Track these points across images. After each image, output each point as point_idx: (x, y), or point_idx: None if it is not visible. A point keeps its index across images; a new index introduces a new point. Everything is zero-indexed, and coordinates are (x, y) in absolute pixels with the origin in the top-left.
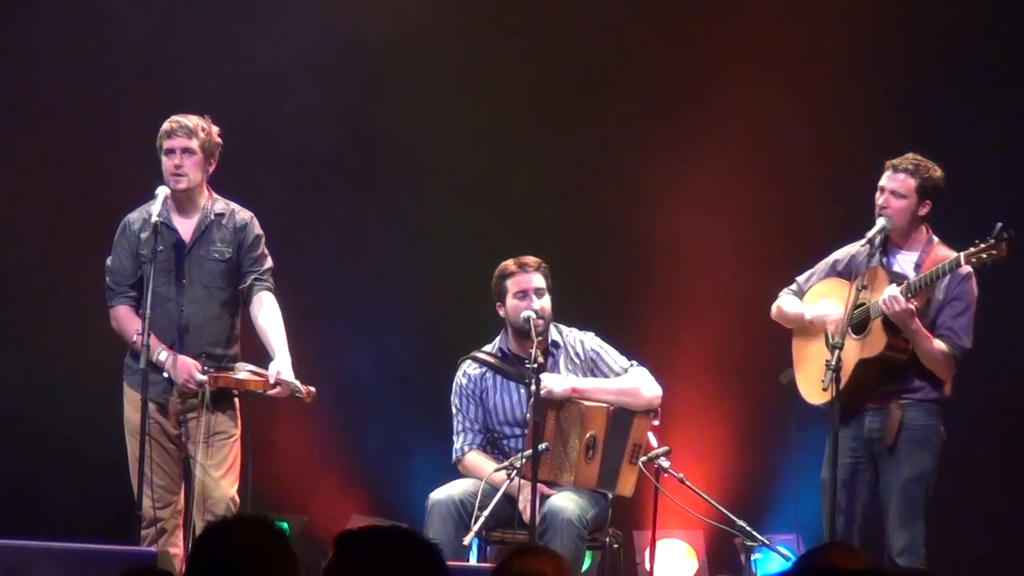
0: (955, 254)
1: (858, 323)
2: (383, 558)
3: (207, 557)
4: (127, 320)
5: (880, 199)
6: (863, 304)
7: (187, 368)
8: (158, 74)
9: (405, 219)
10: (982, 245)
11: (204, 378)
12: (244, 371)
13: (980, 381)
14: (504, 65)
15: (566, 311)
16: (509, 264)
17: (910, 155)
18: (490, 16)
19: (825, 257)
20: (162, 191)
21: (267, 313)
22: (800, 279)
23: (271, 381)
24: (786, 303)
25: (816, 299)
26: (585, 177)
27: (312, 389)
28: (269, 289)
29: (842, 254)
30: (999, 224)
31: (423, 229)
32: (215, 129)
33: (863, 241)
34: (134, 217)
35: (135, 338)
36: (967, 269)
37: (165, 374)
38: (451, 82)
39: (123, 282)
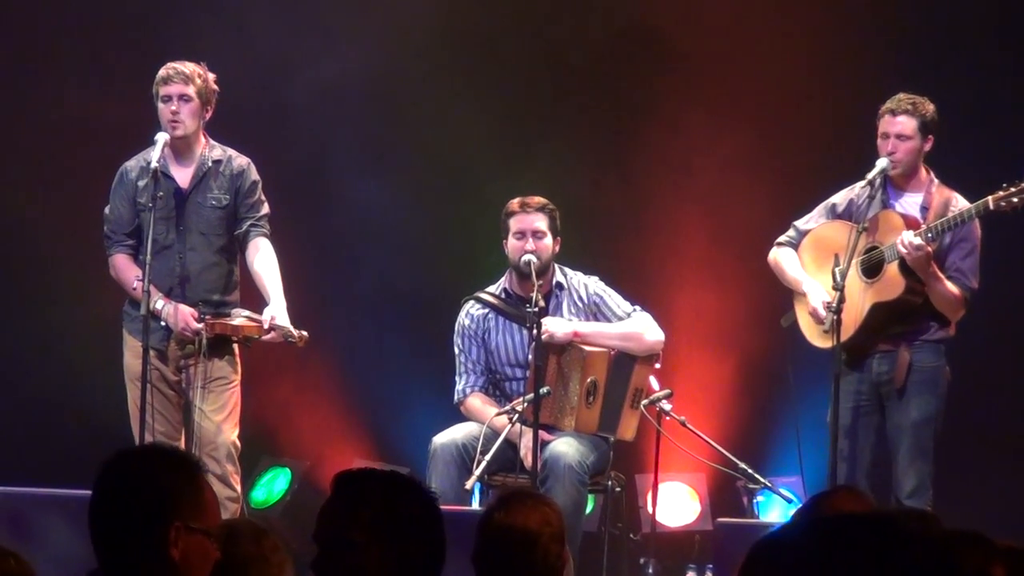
0: (956, 194)
1: (869, 267)
2: (379, 499)
3: None
4: (125, 268)
5: (887, 146)
6: (875, 247)
7: (184, 316)
8: (154, 19)
9: (407, 159)
10: (1012, 189)
11: (200, 326)
12: (240, 317)
13: (988, 321)
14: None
15: (572, 254)
16: (514, 203)
17: (901, 95)
18: None
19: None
20: (161, 137)
21: (262, 259)
22: (799, 223)
23: (265, 327)
24: (786, 261)
25: (819, 244)
26: (595, 124)
27: (304, 334)
28: (265, 235)
29: (840, 198)
30: None
31: (426, 170)
32: (211, 76)
33: (862, 183)
34: (131, 165)
35: (135, 285)
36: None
37: (163, 323)
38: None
39: (120, 230)
